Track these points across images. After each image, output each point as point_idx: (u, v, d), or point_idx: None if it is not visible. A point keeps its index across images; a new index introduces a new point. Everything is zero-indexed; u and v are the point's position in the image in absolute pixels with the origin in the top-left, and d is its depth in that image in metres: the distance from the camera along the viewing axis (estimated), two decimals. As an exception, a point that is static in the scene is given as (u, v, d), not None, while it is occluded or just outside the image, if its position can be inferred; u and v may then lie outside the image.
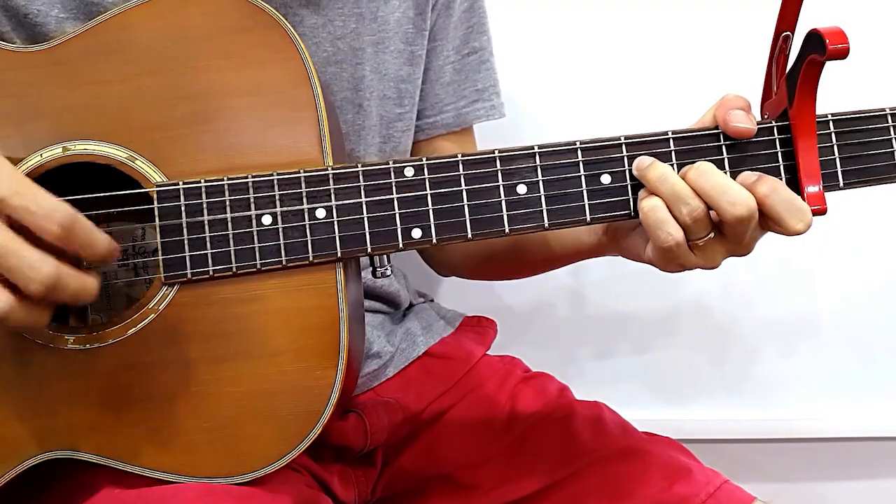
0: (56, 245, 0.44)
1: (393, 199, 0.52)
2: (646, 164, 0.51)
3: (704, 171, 0.50)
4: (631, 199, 0.52)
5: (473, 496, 0.66)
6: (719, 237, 0.51)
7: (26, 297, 0.44)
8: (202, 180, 0.52)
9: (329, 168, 0.52)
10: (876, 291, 0.92)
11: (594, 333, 0.95)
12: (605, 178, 0.52)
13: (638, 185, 0.52)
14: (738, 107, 0.52)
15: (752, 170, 0.51)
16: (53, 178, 0.51)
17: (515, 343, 0.80)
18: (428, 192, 0.52)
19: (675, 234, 0.50)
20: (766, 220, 0.50)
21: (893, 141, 0.53)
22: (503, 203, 0.52)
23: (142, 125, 0.52)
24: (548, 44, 0.89)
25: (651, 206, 0.50)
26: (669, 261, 0.52)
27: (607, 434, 0.67)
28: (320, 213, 0.52)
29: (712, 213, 0.50)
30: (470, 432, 0.68)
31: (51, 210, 0.43)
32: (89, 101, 0.53)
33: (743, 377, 0.95)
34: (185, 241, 0.52)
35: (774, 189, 0.50)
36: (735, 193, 0.49)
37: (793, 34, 0.51)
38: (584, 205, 0.52)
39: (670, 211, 0.50)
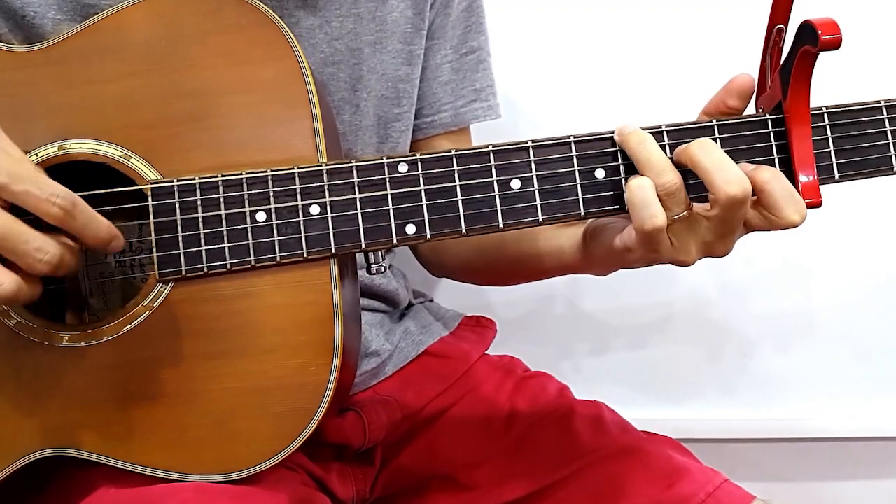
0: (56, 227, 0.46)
1: (387, 194, 0.52)
2: (628, 131, 0.51)
3: (707, 146, 0.49)
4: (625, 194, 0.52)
5: (473, 495, 0.66)
6: (698, 223, 0.50)
7: (30, 277, 0.45)
8: (196, 177, 0.52)
9: (323, 164, 0.52)
10: (874, 289, 0.92)
11: (593, 332, 0.95)
12: (600, 173, 0.52)
13: (633, 179, 0.52)
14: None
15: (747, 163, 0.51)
16: (50, 177, 0.51)
17: (514, 342, 0.80)
18: (422, 187, 0.52)
19: (659, 215, 0.49)
20: (761, 211, 0.50)
21: (888, 133, 0.53)
22: (497, 198, 0.52)
23: (137, 123, 0.53)
24: (544, 43, 0.89)
25: (638, 185, 0.49)
26: (646, 245, 0.51)
27: (607, 434, 0.66)
28: (314, 210, 0.52)
29: (703, 206, 0.50)
30: (469, 431, 0.68)
31: (52, 193, 0.45)
32: (85, 100, 0.53)
33: (742, 376, 0.95)
34: (180, 238, 0.52)
35: (776, 176, 0.49)
36: (732, 172, 0.48)
37: (786, 27, 0.51)
38: (578, 199, 0.52)
39: (644, 174, 0.49)
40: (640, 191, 0.49)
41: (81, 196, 0.48)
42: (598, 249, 0.57)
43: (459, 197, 0.52)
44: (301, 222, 0.52)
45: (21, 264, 0.45)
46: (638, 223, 0.49)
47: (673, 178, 0.49)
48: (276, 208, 0.52)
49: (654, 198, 0.49)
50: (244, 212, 0.52)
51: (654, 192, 0.49)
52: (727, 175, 0.48)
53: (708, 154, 0.49)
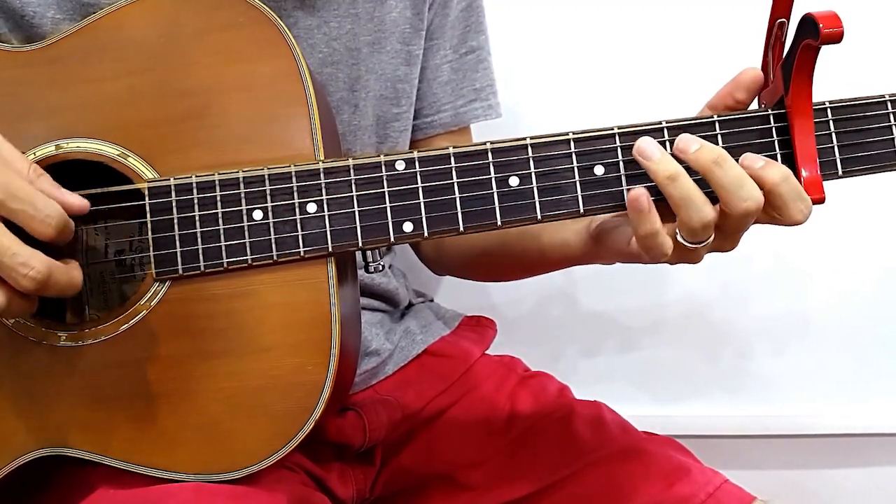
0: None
1: (384, 192, 0.52)
2: (656, 157, 0.49)
3: (724, 161, 0.48)
4: (625, 190, 0.51)
5: (472, 496, 0.65)
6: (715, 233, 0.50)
7: (19, 292, 0.45)
8: (193, 176, 0.52)
9: (320, 163, 0.52)
10: (871, 288, 0.92)
11: (592, 332, 0.94)
12: (599, 170, 0.52)
13: (632, 176, 0.51)
14: None
15: None
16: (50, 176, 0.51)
17: (514, 342, 0.79)
18: (419, 185, 0.52)
19: (667, 244, 0.49)
20: (768, 209, 0.49)
21: (893, 128, 0.52)
22: (495, 195, 0.51)
23: (134, 122, 0.53)
24: (544, 42, 0.88)
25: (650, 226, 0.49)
26: (656, 257, 0.51)
27: (607, 434, 0.66)
28: (311, 208, 0.52)
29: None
30: (469, 431, 0.68)
31: (47, 215, 0.45)
32: (82, 99, 0.53)
33: (741, 375, 0.94)
34: (176, 237, 0.52)
35: (786, 178, 0.49)
36: (748, 189, 0.48)
37: (788, 21, 0.50)
38: (577, 196, 0.51)
39: (678, 213, 0.49)
40: (651, 239, 0.49)
41: (79, 195, 0.49)
42: (606, 252, 0.57)
43: (457, 195, 0.52)
44: (298, 221, 0.51)
45: (6, 278, 0.45)
46: (653, 260, 0.50)
47: (710, 210, 0.48)
48: (272, 207, 0.51)
49: (666, 238, 0.49)
50: (241, 210, 0.52)
51: (664, 234, 0.49)
52: (745, 193, 0.48)
53: (726, 172, 0.48)
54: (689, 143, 0.49)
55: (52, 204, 0.46)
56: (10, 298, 0.45)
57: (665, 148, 0.50)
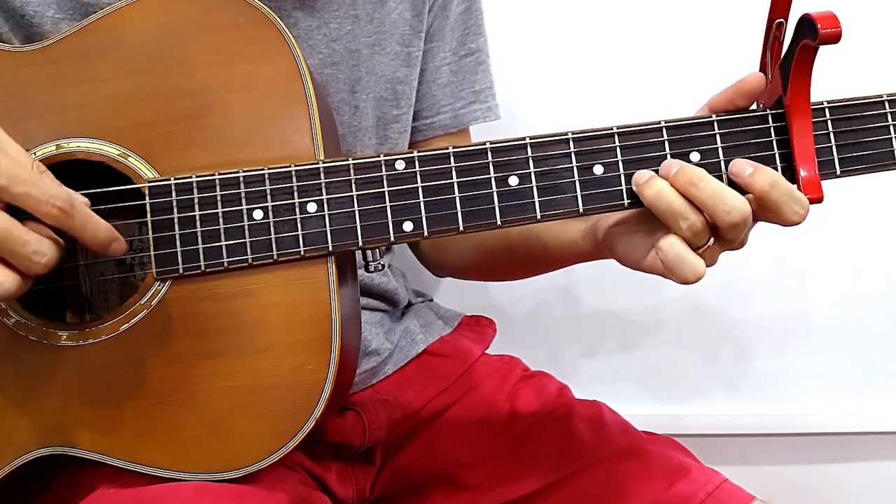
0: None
1: (384, 192, 0.52)
2: (643, 180, 0.50)
3: (699, 181, 0.49)
4: (624, 190, 0.52)
5: (472, 495, 0.66)
6: (715, 240, 0.50)
7: (26, 276, 0.46)
8: (193, 176, 0.52)
9: (320, 162, 0.52)
10: (870, 288, 0.92)
11: (592, 332, 0.94)
12: (598, 169, 0.52)
13: (631, 176, 0.51)
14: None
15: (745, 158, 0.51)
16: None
17: (514, 342, 0.80)
18: (419, 184, 0.52)
19: (699, 265, 0.49)
20: (764, 212, 0.50)
21: (891, 127, 0.52)
22: (495, 195, 0.52)
23: (135, 122, 0.53)
24: (543, 44, 0.89)
25: (668, 244, 0.49)
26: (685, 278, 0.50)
27: (607, 433, 0.66)
28: (311, 208, 0.52)
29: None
30: (469, 431, 0.68)
31: (51, 195, 0.45)
32: (83, 99, 0.53)
33: (740, 373, 0.95)
34: (177, 237, 0.52)
35: (775, 184, 0.49)
36: (731, 200, 0.48)
37: (786, 21, 0.50)
38: (576, 196, 0.52)
39: (669, 226, 0.49)
40: (671, 249, 0.49)
41: (80, 194, 0.49)
42: (613, 257, 0.57)
43: (457, 194, 0.52)
44: (298, 220, 0.52)
45: (18, 265, 0.45)
46: (681, 279, 0.49)
47: (696, 218, 0.49)
48: (273, 206, 0.52)
49: (688, 250, 0.49)
50: (241, 210, 0.52)
51: (685, 247, 0.49)
52: (726, 206, 0.48)
53: (703, 189, 0.49)
54: (670, 167, 0.50)
55: (56, 185, 0.46)
56: (20, 282, 0.46)
57: (665, 148, 0.51)
